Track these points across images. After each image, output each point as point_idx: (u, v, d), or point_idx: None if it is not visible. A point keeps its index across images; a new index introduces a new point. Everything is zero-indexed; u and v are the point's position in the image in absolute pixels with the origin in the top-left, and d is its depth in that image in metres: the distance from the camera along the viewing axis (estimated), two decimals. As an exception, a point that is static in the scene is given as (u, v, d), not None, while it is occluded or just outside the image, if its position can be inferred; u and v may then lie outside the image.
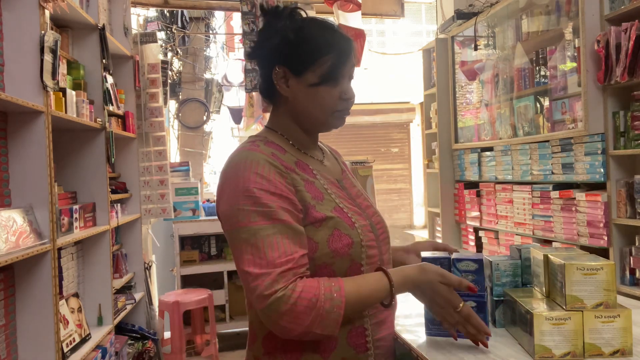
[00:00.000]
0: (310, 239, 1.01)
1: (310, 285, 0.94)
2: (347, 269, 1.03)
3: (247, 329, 1.16)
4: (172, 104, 5.22)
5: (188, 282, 4.00)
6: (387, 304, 1.03)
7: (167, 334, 3.55)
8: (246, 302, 1.12)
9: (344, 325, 0.99)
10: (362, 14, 4.11)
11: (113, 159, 2.71)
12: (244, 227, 0.96)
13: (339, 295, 0.95)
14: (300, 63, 1.06)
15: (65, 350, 2.06)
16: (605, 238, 2.55)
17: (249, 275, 0.94)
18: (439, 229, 4.33)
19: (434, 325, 1.23)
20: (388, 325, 1.10)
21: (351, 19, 3.99)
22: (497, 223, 3.51)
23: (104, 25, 2.68)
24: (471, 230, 3.92)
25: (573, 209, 2.75)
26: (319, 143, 1.22)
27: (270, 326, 0.95)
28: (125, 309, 2.94)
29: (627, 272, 2.51)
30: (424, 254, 1.29)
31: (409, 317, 1.41)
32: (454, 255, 1.23)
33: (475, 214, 3.78)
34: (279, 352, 1.04)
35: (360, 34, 3.97)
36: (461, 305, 1.06)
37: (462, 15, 3.74)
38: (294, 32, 1.07)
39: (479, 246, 3.81)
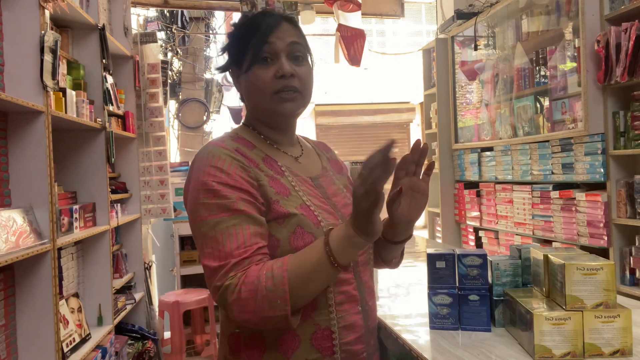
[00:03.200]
0: (272, 235, 0.98)
1: (253, 269, 0.91)
2: None
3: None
4: (172, 104, 5.22)
5: (188, 282, 4.00)
6: (337, 265, 0.90)
7: (167, 334, 3.55)
8: None
9: (307, 325, 0.98)
10: (362, 14, 4.11)
11: (113, 159, 2.71)
12: (204, 220, 0.94)
13: (280, 271, 0.89)
14: (237, 57, 1.08)
15: (65, 350, 2.06)
16: (605, 238, 2.55)
17: (207, 270, 0.93)
18: (439, 229, 4.34)
19: (437, 319, 1.28)
20: (357, 329, 1.04)
21: (351, 19, 3.99)
22: (497, 223, 3.51)
23: (104, 25, 2.67)
24: (471, 230, 3.92)
25: (573, 209, 2.75)
26: (300, 138, 1.20)
27: (231, 318, 0.94)
28: (125, 309, 2.94)
29: (627, 272, 2.51)
30: (429, 250, 1.32)
31: (409, 317, 1.42)
32: (458, 251, 1.29)
33: (475, 214, 3.78)
34: (242, 350, 1.02)
35: (360, 34, 3.97)
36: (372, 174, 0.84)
37: (462, 15, 3.74)
38: (233, 32, 1.11)
39: (479, 246, 3.81)
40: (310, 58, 1.10)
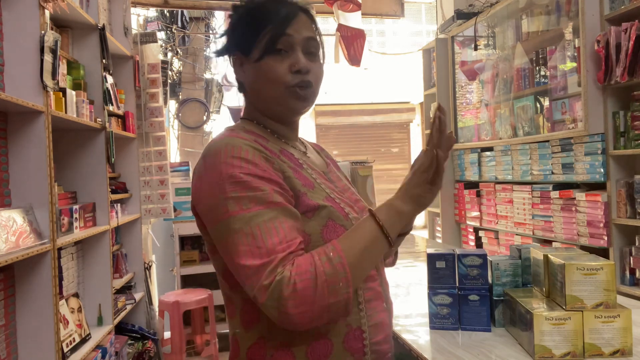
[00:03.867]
0: (302, 230, 0.90)
1: (302, 258, 0.84)
2: None
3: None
4: (172, 104, 5.22)
5: (188, 282, 4.00)
6: (389, 237, 0.90)
7: (167, 334, 3.55)
8: (226, 312, 1.01)
9: (339, 326, 0.91)
10: (362, 14, 4.11)
11: (113, 159, 2.71)
12: (235, 216, 0.84)
13: (335, 253, 0.84)
14: (246, 42, 0.99)
15: (65, 350, 2.06)
16: (605, 238, 2.55)
17: (247, 270, 0.82)
18: (439, 229, 4.34)
19: (437, 319, 1.28)
20: (384, 327, 1.00)
21: (351, 19, 3.99)
22: (497, 223, 3.51)
23: (104, 25, 2.68)
24: (471, 230, 3.92)
25: (573, 209, 2.75)
26: (300, 137, 1.14)
27: (281, 321, 0.82)
28: (125, 309, 2.94)
29: (627, 272, 2.51)
30: (429, 250, 1.32)
31: (409, 317, 1.42)
32: (458, 251, 1.29)
33: (475, 214, 3.78)
34: None
35: (360, 34, 3.98)
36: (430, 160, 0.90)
37: (462, 15, 3.74)
38: (239, 15, 1.03)
39: (479, 246, 3.81)
40: (322, 55, 1.05)
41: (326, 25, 7.04)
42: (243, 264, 0.83)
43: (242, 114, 1.10)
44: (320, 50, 1.03)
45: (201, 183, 0.91)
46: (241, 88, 1.07)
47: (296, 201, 0.91)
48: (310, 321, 0.82)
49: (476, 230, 3.85)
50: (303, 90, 0.98)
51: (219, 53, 1.07)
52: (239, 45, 1.02)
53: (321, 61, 1.04)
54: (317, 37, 1.02)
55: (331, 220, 0.93)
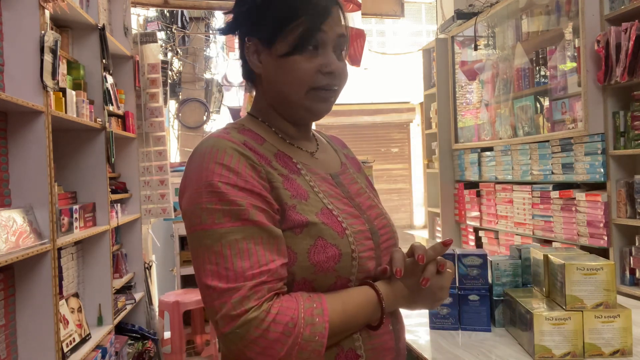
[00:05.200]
0: (288, 247, 0.82)
1: (287, 306, 0.76)
2: (331, 285, 0.83)
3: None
4: (172, 104, 5.23)
5: (188, 282, 4.00)
6: (376, 325, 0.86)
7: (167, 334, 3.55)
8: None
9: (328, 348, 0.81)
10: (362, 14, 4.11)
11: (113, 159, 2.71)
12: (207, 230, 0.78)
13: (321, 320, 0.77)
14: (269, 31, 0.88)
15: (65, 350, 2.06)
16: (605, 238, 2.55)
17: (212, 291, 0.76)
18: (439, 229, 4.34)
19: (437, 319, 1.28)
20: (388, 353, 0.88)
21: (351, 19, 3.99)
22: (497, 223, 3.51)
23: (104, 25, 2.67)
24: (471, 230, 3.92)
25: (573, 209, 2.75)
26: (315, 133, 1.05)
27: (233, 356, 0.78)
28: (125, 309, 2.94)
29: (627, 272, 2.51)
30: None
31: (409, 317, 1.41)
32: (458, 251, 1.29)
33: (475, 214, 3.78)
34: None
35: (360, 34, 3.97)
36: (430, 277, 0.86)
37: (462, 15, 3.74)
38: None
39: (479, 246, 3.81)
40: (346, 52, 0.95)
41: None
42: (208, 284, 0.77)
43: (246, 109, 1.00)
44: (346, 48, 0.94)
45: (184, 184, 0.86)
46: (250, 76, 0.95)
47: (282, 216, 0.83)
48: None
49: (476, 230, 3.85)
50: (327, 93, 0.90)
51: (224, 31, 0.96)
52: (258, 31, 0.90)
53: (345, 59, 0.95)
54: (348, 35, 0.93)
55: (321, 239, 0.83)
